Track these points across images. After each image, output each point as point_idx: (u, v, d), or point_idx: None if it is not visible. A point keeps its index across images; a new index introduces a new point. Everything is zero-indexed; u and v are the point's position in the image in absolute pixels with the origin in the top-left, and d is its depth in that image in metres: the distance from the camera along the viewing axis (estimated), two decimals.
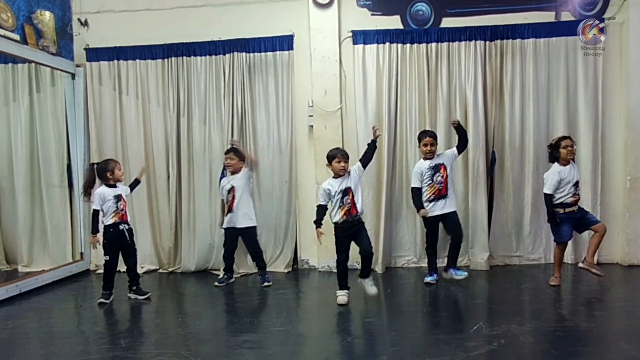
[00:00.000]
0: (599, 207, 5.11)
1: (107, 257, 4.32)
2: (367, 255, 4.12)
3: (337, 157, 4.10)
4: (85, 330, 3.88)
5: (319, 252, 5.27)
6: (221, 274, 4.95)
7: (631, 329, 3.44)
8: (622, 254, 5.13)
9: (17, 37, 4.67)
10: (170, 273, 5.41)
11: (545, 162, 4.70)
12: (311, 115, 5.27)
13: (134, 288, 4.48)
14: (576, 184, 4.36)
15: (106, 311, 4.23)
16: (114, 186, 4.40)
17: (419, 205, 4.59)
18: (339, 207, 4.05)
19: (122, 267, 4.48)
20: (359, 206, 4.10)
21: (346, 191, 4.06)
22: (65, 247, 5.48)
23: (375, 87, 5.19)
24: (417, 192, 4.62)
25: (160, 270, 5.50)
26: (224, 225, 4.87)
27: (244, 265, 5.26)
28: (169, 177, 5.43)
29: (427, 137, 4.58)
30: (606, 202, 5.16)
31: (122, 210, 4.36)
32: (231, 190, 4.79)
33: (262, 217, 5.35)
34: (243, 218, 4.79)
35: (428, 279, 4.67)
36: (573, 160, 4.42)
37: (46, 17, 5.06)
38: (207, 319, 4.03)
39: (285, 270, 5.31)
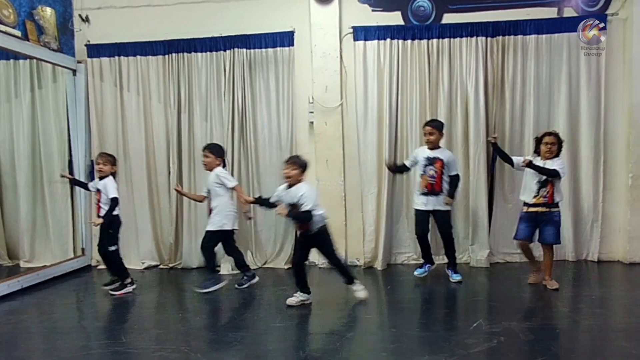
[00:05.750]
0: (601, 205, 5.09)
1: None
2: (332, 264, 4.14)
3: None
4: (86, 326, 3.90)
5: None
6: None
7: (631, 327, 3.43)
8: (624, 252, 5.11)
9: (18, 33, 4.66)
10: (171, 269, 5.42)
11: None
12: (312, 112, 5.26)
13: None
14: (543, 183, 4.12)
15: (107, 307, 4.26)
16: (100, 179, 4.52)
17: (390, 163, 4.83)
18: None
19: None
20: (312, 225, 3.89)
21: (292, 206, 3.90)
22: (66, 243, 5.50)
23: (376, 83, 5.17)
24: (401, 166, 4.75)
25: (161, 266, 5.51)
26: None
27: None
28: (169, 173, 5.43)
29: (427, 127, 4.56)
30: (608, 200, 5.13)
31: (97, 203, 4.48)
32: (207, 192, 4.61)
33: (261, 213, 5.35)
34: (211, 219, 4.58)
35: (415, 272, 4.71)
36: (549, 159, 4.16)
37: (47, 13, 5.06)
38: (207, 315, 4.05)
39: (286, 267, 5.30)
